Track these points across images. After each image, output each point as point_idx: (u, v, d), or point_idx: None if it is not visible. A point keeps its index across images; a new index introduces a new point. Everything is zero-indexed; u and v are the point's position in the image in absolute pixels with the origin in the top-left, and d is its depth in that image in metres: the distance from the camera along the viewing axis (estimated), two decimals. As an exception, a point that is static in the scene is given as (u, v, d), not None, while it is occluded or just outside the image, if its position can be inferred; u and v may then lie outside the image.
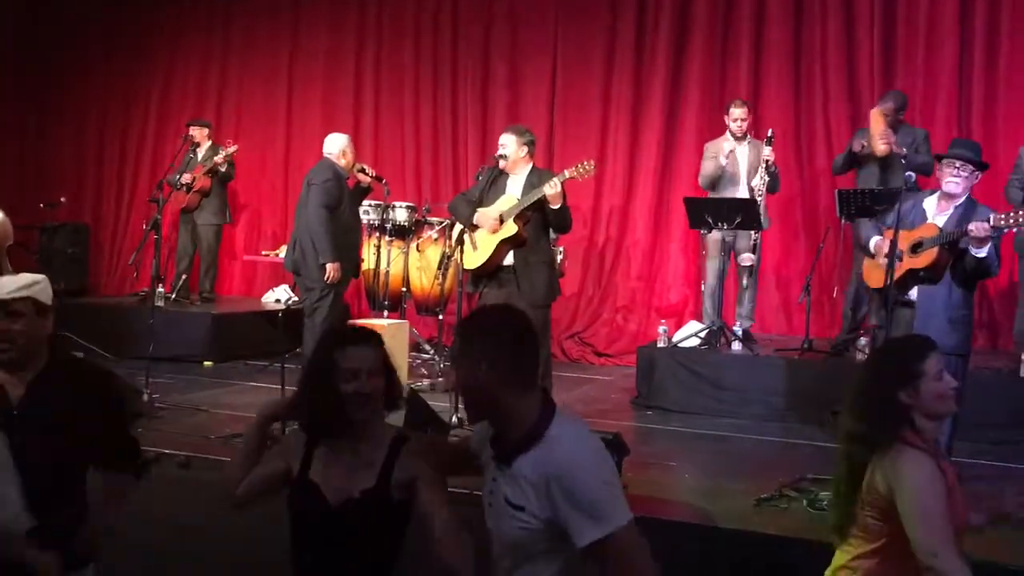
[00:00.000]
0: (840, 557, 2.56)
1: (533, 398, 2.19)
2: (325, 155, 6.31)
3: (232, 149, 8.47)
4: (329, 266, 6.09)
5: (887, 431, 2.44)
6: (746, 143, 6.84)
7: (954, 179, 4.37)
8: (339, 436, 2.50)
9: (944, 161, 4.46)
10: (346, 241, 6.25)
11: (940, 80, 7.41)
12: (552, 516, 2.08)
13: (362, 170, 6.62)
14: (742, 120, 6.81)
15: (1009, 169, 6.50)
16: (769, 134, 6.59)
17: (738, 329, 6.75)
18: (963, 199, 4.44)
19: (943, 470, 2.43)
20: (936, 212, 4.47)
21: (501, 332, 2.20)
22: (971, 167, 4.39)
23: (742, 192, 6.73)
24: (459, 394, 2.31)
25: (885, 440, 2.43)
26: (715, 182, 6.82)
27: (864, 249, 4.70)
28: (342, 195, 6.20)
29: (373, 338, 2.55)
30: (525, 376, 2.19)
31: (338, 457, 2.51)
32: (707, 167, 6.88)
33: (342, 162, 6.28)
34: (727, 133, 6.88)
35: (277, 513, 2.68)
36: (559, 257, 7.49)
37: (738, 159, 6.82)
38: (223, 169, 8.51)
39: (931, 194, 4.49)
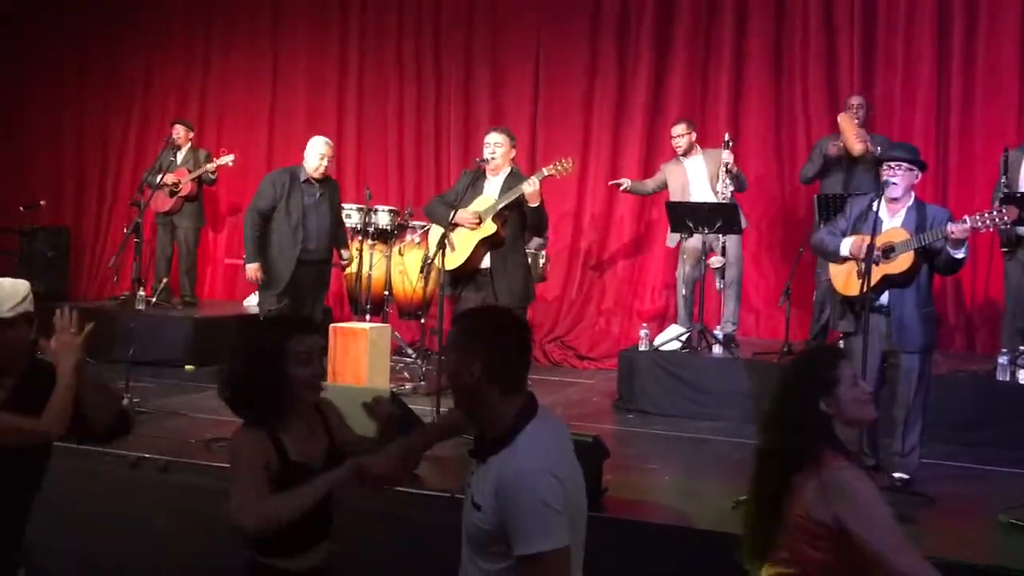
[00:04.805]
0: None
1: (515, 401, 2.23)
2: None
3: (227, 159, 8.44)
4: (247, 267, 6.26)
5: (811, 444, 2.37)
6: (698, 157, 6.98)
7: (892, 178, 4.50)
8: (288, 417, 2.62)
9: (883, 165, 4.60)
10: (275, 249, 6.26)
11: (918, 86, 7.49)
12: (501, 520, 2.12)
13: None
14: (677, 137, 7.01)
15: (988, 171, 6.58)
16: (725, 138, 6.71)
17: (719, 333, 6.80)
18: (911, 200, 4.57)
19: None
20: (889, 215, 4.57)
21: (501, 334, 2.24)
22: (905, 165, 4.51)
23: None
24: (447, 382, 2.33)
25: (810, 454, 2.36)
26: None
27: (831, 256, 4.73)
28: (277, 198, 6.24)
29: (314, 324, 2.82)
30: (512, 380, 2.24)
31: (295, 433, 2.64)
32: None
33: (310, 165, 6.31)
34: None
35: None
36: (542, 262, 7.52)
37: (688, 174, 6.97)
38: (213, 177, 8.52)
39: (879, 197, 4.56)
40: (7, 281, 2.83)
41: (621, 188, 7.43)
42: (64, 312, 2.80)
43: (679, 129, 7.04)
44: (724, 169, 6.66)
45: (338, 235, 6.70)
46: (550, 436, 2.24)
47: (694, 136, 7.02)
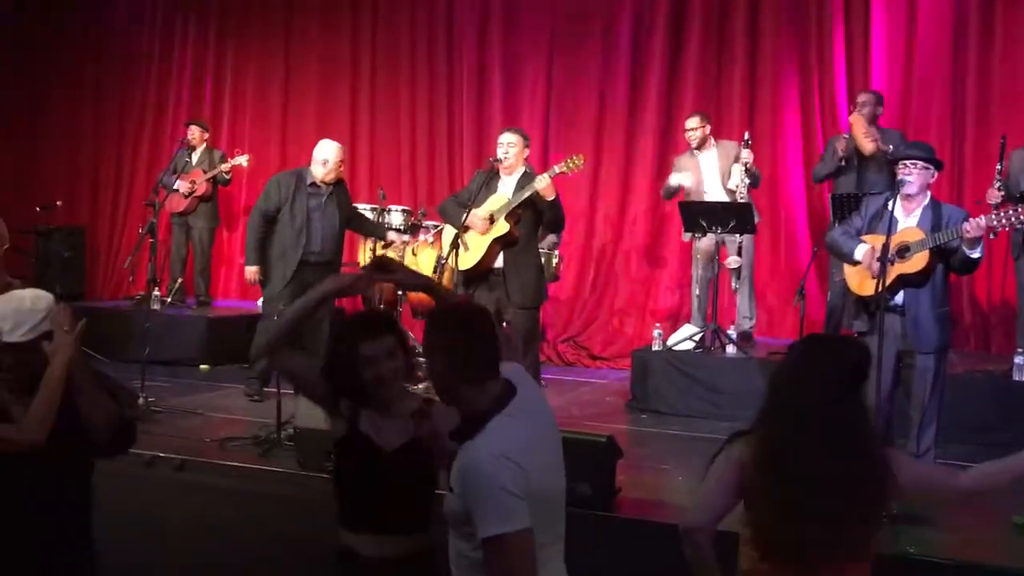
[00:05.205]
0: None
1: (486, 390, 2.33)
2: None
3: (242, 160, 8.44)
4: (246, 269, 6.25)
5: (867, 448, 2.36)
6: (711, 150, 6.93)
7: (907, 177, 4.47)
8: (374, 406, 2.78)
9: (898, 164, 4.57)
10: (276, 251, 6.24)
11: (934, 83, 7.44)
12: (466, 504, 2.20)
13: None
14: (690, 131, 6.96)
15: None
16: (745, 137, 6.68)
17: (732, 332, 6.78)
18: (927, 199, 4.54)
19: None
20: (904, 214, 4.54)
21: (457, 330, 2.35)
22: (921, 163, 4.48)
23: (713, 197, 6.80)
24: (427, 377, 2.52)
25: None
26: (675, 194, 7.01)
27: (845, 257, 4.71)
28: (281, 200, 6.19)
29: (384, 325, 2.79)
30: (476, 371, 2.33)
31: (380, 416, 2.78)
32: (670, 180, 7.08)
33: (318, 169, 6.22)
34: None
35: (270, 520, 2.69)
36: (555, 261, 7.52)
37: (701, 168, 6.92)
38: (228, 177, 8.54)
39: (894, 196, 4.53)
40: (27, 297, 2.68)
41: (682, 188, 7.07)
42: (57, 309, 2.68)
43: (693, 122, 6.99)
44: (743, 168, 6.63)
45: (368, 228, 6.89)
46: (521, 424, 2.30)
47: (708, 129, 6.97)
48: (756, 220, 6.77)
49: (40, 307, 2.66)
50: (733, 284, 6.91)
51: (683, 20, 8.21)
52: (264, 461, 4.82)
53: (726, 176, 6.79)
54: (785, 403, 2.43)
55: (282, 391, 5.10)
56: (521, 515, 2.16)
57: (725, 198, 6.74)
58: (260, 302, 6.90)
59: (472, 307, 2.59)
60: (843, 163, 6.68)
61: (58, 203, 9.32)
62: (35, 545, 2.68)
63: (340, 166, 6.35)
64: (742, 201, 6.60)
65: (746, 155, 6.63)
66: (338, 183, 6.43)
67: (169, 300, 8.34)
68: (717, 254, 6.71)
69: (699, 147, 6.96)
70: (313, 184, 6.25)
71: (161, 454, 4.76)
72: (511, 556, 2.16)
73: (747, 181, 6.63)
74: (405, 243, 7.07)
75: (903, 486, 2.38)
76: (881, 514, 2.38)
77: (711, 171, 6.92)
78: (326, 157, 6.24)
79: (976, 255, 4.38)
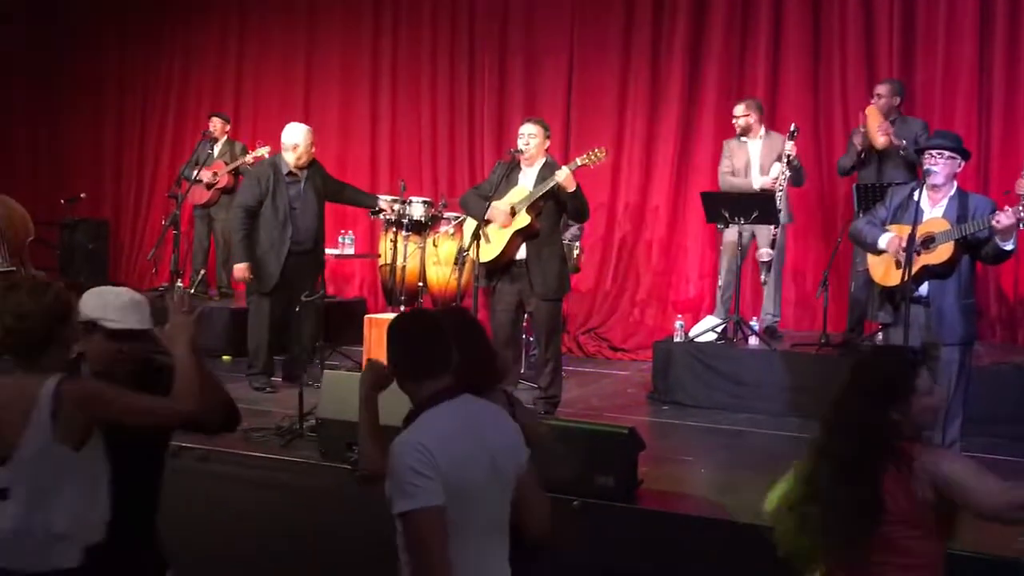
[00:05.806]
0: None
1: (428, 388, 2.50)
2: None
3: (263, 151, 8.45)
4: (235, 267, 6.12)
5: (884, 448, 2.44)
6: (759, 138, 6.85)
7: (932, 167, 4.42)
8: None
9: (924, 153, 4.52)
10: (264, 246, 6.15)
11: (960, 70, 7.35)
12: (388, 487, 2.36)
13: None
14: (736, 118, 6.88)
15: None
16: (792, 128, 6.59)
17: (755, 324, 6.74)
18: (953, 189, 4.48)
19: None
20: (930, 205, 4.48)
21: (401, 333, 2.59)
22: (947, 153, 4.43)
23: (752, 186, 6.73)
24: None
25: (886, 455, 2.43)
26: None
27: (868, 247, 4.66)
28: (263, 193, 6.12)
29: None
30: (418, 370, 2.54)
31: None
32: (722, 166, 7.00)
33: (289, 156, 6.18)
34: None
35: (292, 510, 2.67)
36: (576, 253, 7.50)
37: (749, 154, 6.83)
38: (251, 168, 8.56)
39: (920, 186, 4.48)
40: (124, 291, 2.89)
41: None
42: (176, 295, 2.85)
43: (739, 109, 6.90)
44: (786, 160, 6.56)
45: (351, 196, 6.81)
46: (445, 417, 2.46)
47: (753, 117, 6.86)
48: (786, 221, 6.69)
49: (144, 302, 2.87)
50: (762, 277, 6.84)
51: (705, 10, 8.15)
52: (286, 451, 4.85)
53: (765, 170, 6.73)
54: (824, 419, 2.59)
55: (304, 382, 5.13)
56: (427, 493, 2.30)
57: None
58: (248, 300, 6.65)
59: (421, 315, 2.78)
60: (862, 156, 6.59)
61: (82, 196, 9.40)
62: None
63: (311, 148, 6.29)
64: (779, 192, 6.50)
65: (789, 147, 6.53)
66: (312, 165, 6.37)
67: (192, 291, 8.38)
68: (742, 245, 6.66)
69: (743, 134, 6.88)
70: (290, 173, 6.21)
71: (184, 444, 4.77)
72: (419, 530, 2.31)
73: (788, 174, 6.54)
74: (395, 210, 7.03)
75: (931, 480, 2.41)
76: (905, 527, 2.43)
77: (756, 159, 6.84)
78: (295, 142, 6.19)
79: (1009, 247, 4.33)
